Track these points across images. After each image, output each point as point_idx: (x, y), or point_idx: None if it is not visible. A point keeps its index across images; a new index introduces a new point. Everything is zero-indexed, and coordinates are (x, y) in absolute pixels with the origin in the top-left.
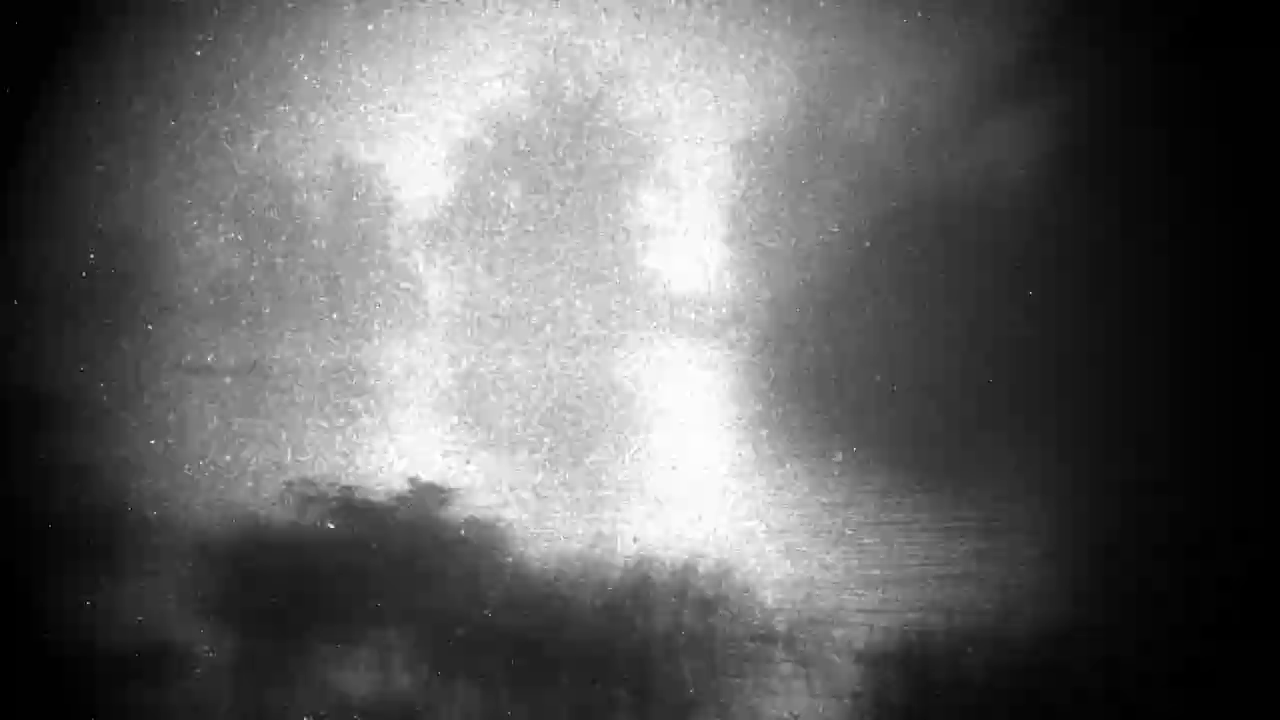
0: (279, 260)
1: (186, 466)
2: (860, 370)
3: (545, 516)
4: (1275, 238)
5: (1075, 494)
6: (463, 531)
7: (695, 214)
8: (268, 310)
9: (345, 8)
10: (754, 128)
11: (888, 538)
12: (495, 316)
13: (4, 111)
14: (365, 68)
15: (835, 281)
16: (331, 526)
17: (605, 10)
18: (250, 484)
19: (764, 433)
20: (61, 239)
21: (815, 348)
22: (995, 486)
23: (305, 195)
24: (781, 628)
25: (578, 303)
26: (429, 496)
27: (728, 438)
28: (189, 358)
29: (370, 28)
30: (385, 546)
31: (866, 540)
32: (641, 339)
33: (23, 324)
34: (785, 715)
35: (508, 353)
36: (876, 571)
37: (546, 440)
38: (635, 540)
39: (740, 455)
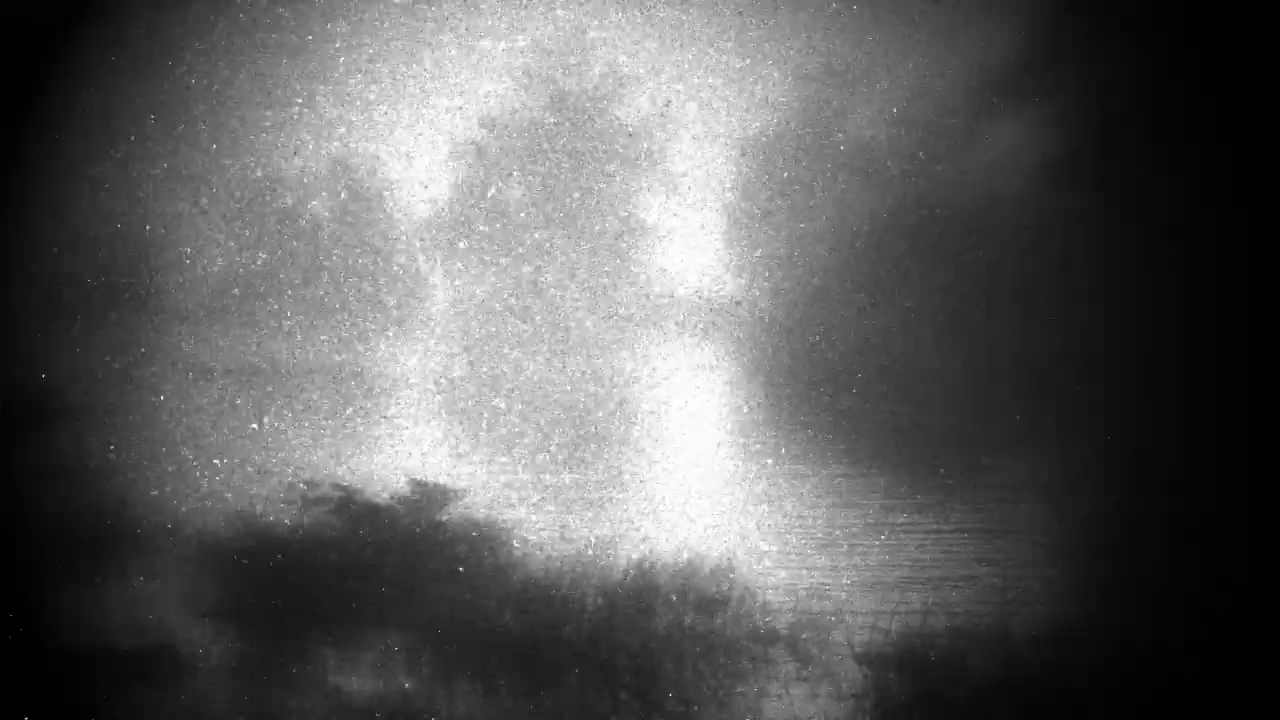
0: (278, 260)
1: (186, 467)
2: (861, 371)
3: (546, 517)
4: (1276, 238)
5: (1076, 496)
6: (463, 532)
7: (696, 214)
8: (268, 310)
9: (346, 7)
10: (755, 128)
11: (889, 540)
12: (496, 316)
13: (3, 112)
14: (365, 67)
15: (836, 282)
16: (332, 527)
17: (606, 10)
18: (251, 485)
19: (765, 434)
20: (60, 240)
21: (816, 349)
22: (996, 488)
23: (305, 195)
24: (783, 629)
25: (578, 303)
26: (430, 497)
27: (729, 438)
28: (189, 358)
29: (371, 27)
30: (386, 547)
31: (867, 542)
32: (642, 339)
33: (22, 325)
34: (786, 716)
35: (508, 353)
36: (877, 573)
37: (547, 441)
38: (638, 541)
39: (741, 456)
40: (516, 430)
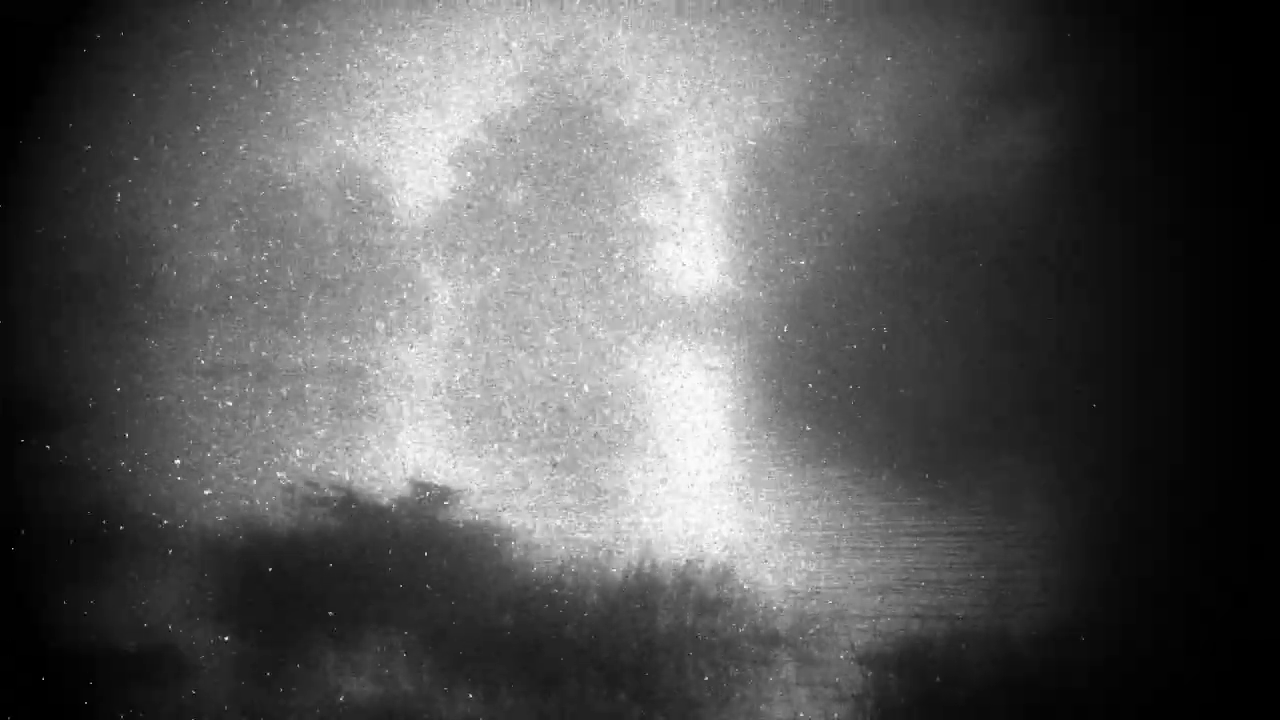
0: (279, 261)
1: (186, 467)
2: (861, 372)
3: (546, 518)
4: (1276, 238)
5: (1076, 496)
6: (464, 533)
7: (697, 216)
8: (268, 311)
9: (346, 8)
10: (755, 130)
11: (889, 541)
12: (496, 318)
13: (3, 112)
14: (366, 68)
15: (836, 284)
16: (332, 528)
17: (607, 13)
18: (251, 485)
19: (765, 435)
20: (60, 240)
21: (816, 350)
22: (996, 489)
23: (306, 196)
24: (784, 629)
25: (579, 304)
26: (431, 498)
27: (729, 440)
28: (189, 358)
29: (371, 28)
30: (386, 548)
31: (868, 543)
32: (643, 341)
33: (22, 325)
34: (787, 716)
35: (509, 354)
36: (878, 575)
37: (548, 442)
38: (639, 542)
39: (742, 458)
40: (517, 431)
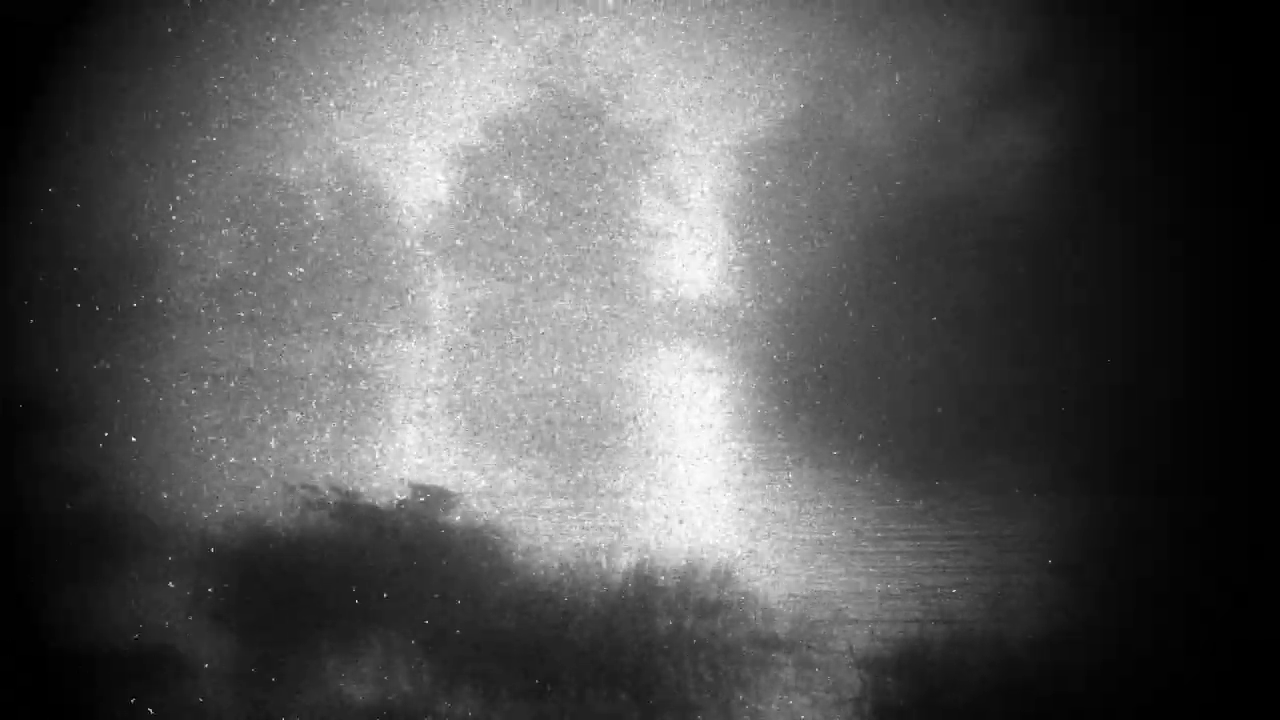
0: (280, 263)
1: (187, 469)
2: (861, 375)
3: (546, 520)
4: (1276, 238)
5: (1074, 497)
6: (464, 535)
7: (698, 218)
8: (269, 314)
9: (347, 8)
10: (757, 132)
11: (888, 544)
12: (496, 319)
13: (3, 112)
14: (367, 70)
15: (837, 286)
16: (332, 530)
17: (608, 14)
18: (251, 488)
19: (766, 438)
20: (61, 240)
21: (816, 352)
22: (995, 491)
23: (307, 198)
24: (783, 633)
25: (580, 306)
26: (431, 501)
27: (729, 442)
28: (190, 359)
29: (372, 29)
30: (386, 550)
31: (866, 546)
32: (642, 343)
33: (22, 325)
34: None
35: (509, 357)
36: (877, 578)
37: (547, 444)
38: (639, 545)
39: (742, 460)
40: (517, 433)
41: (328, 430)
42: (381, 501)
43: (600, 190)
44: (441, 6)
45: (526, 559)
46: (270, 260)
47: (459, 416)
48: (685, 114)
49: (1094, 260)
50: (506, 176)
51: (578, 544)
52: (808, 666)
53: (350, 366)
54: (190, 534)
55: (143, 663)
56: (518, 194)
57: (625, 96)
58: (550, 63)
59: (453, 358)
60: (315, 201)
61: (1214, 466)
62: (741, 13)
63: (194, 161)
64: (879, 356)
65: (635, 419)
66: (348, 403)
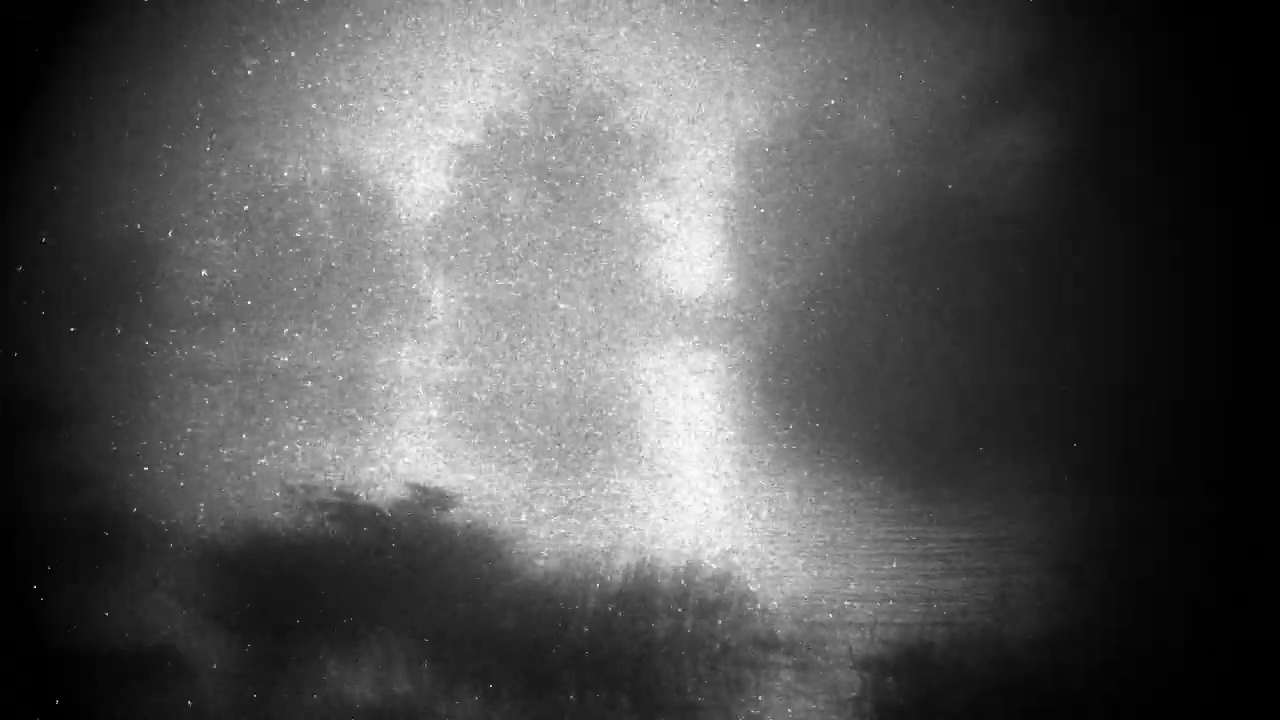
0: (281, 263)
1: (187, 470)
2: (860, 375)
3: (546, 521)
4: (1276, 238)
5: (1074, 497)
6: (464, 536)
7: (697, 219)
8: (269, 314)
9: (347, 9)
10: (754, 132)
11: (887, 544)
12: (496, 320)
13: (3, 112)
14: (367, 71)
15: (836, 287)
16: (332, 531)
17: (608, 16)
18: (251, 489)
19: (765, 439)
20: (61, 241)
21: (816, 353)
22: (994, 491)
23: (306, 199)
24: (782, 633)
25: (579, 308)
26: (430, 502)
27: (729, 443)
28: (190, 360)
29: (372, 30)
30: (386, 551)
31: (866, 547)
32: (643, 344)
33: (22, 325)
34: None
35: (508, 357)
36: (876, 578)
37: (548, 445)
38: (638, 545)
39: (742, 461)
40: (516, 434)
41: (328, 431)
42: (381, 503)
43: (600, 192)
44: (443, 7)
45: (526, 560)
46: (270, 260)
47: (458, 417)
48: (685, 115)
49: (1094, 260)
50: (506, 178)
51: (578, 544)
52: (807, 668)
53: (350, 367)
54: (190, 534)
55: (143, 663)
56: (517, 196)
57: (625, 97)
58: (551, 64)
59: (452, 359)
60: (315, 203)
61: (1214, 466)
62: (743, 17)
63: (194, 162)
64: (879, 357)
65: (635, 419)
66: (347, 404)
